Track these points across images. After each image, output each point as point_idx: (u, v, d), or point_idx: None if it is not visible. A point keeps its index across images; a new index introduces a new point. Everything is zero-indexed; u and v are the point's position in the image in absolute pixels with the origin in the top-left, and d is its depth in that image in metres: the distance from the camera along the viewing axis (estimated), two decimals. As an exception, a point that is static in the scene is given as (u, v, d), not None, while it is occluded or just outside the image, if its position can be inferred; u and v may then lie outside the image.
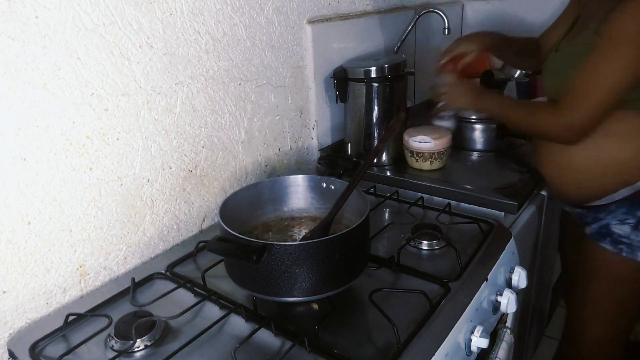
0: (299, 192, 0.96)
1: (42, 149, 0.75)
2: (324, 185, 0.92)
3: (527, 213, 1.18)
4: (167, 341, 0.73)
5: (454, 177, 1.23)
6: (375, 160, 1.32)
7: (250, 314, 0.76)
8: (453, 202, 1.11)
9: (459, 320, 0.75)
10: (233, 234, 0.72)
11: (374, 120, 1.28)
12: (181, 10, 0.90)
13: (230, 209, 0.82)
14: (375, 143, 1.31)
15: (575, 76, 0.92)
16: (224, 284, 0.83)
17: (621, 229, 0.99)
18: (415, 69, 1.55)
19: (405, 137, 1.27)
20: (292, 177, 0.95)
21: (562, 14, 1.14)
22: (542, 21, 1.81)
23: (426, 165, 1.26)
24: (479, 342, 0.79)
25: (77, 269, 0.84)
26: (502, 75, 1.74)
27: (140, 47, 0.85)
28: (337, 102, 1.31)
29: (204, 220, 1.06)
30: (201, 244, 0.95)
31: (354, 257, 0.79)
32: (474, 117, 1.39)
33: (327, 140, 1.35)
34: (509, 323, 0.94)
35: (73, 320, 0.78)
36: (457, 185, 1.17)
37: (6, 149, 0.71)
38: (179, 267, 0.91)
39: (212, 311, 0.78)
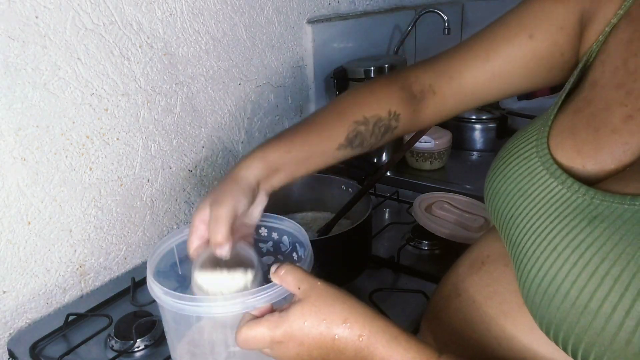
0: (301, 192, 0.97)
1: (42, 149, 0.75)
2: (343, 187, 0.92)
3: (527, 213, 1.18)
4: (167, 341, 0.73)
5: (454, 177, 1.23)
6: (375, 160, 1.32)
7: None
8: (453, 202, 1.11)
9: (459, 320, 0.75)
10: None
11: (374, 120, 1.28)
12: (181, 10, 0.90)
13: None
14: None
15: None
16: (224, 284, 0.83)
17: None
18: (415, 69, 1.55)
19: (406, 136, 1.27)
20: (293, 177, 0.95)
21: (505, 42, 0.54)
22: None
23: (426, 165, 1.26)
24: (479, 342, 0.79)
25: (77, 269, 0.84)
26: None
27: (140, 47, 0.85)
28: (337, 102, 1.31)
29: (204, 220, 1.06)
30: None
31: (354, 256, 0.79)
32: (474, 116, 1.39)
33: (327, 140, 1.35)
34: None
35: (73, 320, 0.78)
36: (457, 185, 1.17)
37: (6, 149, 0.71)
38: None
39: (212, 311, 0.78)
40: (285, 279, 0.44)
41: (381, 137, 0.58)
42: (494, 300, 0.44)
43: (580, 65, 0.44)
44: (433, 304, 0.54)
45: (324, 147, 0.56)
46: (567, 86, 0.45)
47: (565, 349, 0.37)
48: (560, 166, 0.41)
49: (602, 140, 0.39)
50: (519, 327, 0.41)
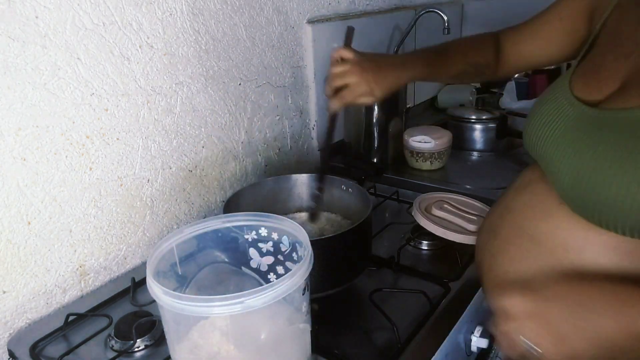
0: (301, 192, 0.97)
1: (42, 149, 0.75)
2: (343, 187, 0.92)
3: (527, 213, 1.18)
4: (167, 341, 0.73)
5: (454, 177, 1.23)
6: (375, 160, 1.32)
7: (250, 314, 0.76)
8: (453, 202, 1.11)
9: (459, 320, 0.75)
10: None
11: (374, 120, 1.28)
12: (181, 10, 0.90)
13: (232, 208, 0.83)
14: (376, 143, 1.31)
15: None
16: (224, 284, 0.83)
17: None
18: (415, 69, 1.55)
19: (405, 136, 1.27)
20: (294, 176, 0.95)
21: (545, 24, 0.76)
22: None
23: (426, 165, 1.26)
24: (479, 342, 0.79)
25: (77, 269, 0.84)
26: (502, 75, 1.74)
27: (140, 47, 0.85)
28: (337, 102, 1.31)
29: (204, 220, 1.06)
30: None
31: (354, 256, 0.79)
32: (473, 117, 1.39)
33: (327, 140, 1.35)
34: (509, 323, 0.94)
35: (73, 320, 0.78)
36: (457, 185, 1.17)
37: (6, 149, 0.71)
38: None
39: (212, 311, 0.78)
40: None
41: (475, 77, 0.94)
42: (539, 207, 0.59)
43: (590, 39, 0.62)
44: (488, 224, 0.69)
45: (444, 73, 0.85)
46: (582, 52, 0.63)
47: (592, 220, 0.51)
48: (576, 97, 0.57)
49: (600, 75, 0.56)
50: (561, 221, 0.55)
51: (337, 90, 0.78)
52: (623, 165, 0.48)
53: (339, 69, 0.79)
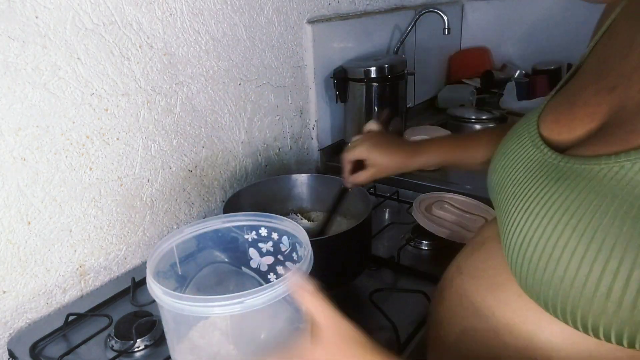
0: (301, 192, 0.97)
1: (42, 149, 0.75)
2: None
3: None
4: (167, 341, 0.73)
5: (454, 177, 1.23)
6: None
7: (250, 314, 0.76)
8: (453, 202, 1.11)
9: (459, 320, 0.75)
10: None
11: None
12: (181, 10, 0.90)
13: (232, 208, 0.83)
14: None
15: None
16: (224, 284, 0.83)
17: None
18: (415, 69, 1.55)
19: (406, 136, 1.27)
20: (294, 176, 0.95)
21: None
22: (543, 22, 1.81)
23: (426, 165, 1.26)
24: (479, 342, 0.79)
25: (77, 269, 0.84)
26: (502, 75, 1.74)
27: (140, 47, 0.85)
28: (337, 102, 1.31)
29: (204, 220, 1.06)
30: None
31: (354, 256, 0.79)
32: (473, 117, 1.39)
33: (327, 140, 1.35)
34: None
35: (73, 320, 0.78)
36: (457, 185, 1.17)
37: (6, 149, 0.71)
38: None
39: (212, 311, 0.78)
40: (305, 297, 0.47)
41: None
42: (489, 273, 0.49)
43: (575, 65, 0.52)
44: (439, 286, 0.60)
45: (469, 160, 0.77)
46: (562, 81, 0.52)
47: (545, 308, 0.40)
48: (542, 137, 0.47)
49: (575, 111, 0.46)
50: (510, 295, 0.46)
51: (354, 169, 0.80)
52: (582, 234, 0.36)
53: (355, 138, 0.81)
